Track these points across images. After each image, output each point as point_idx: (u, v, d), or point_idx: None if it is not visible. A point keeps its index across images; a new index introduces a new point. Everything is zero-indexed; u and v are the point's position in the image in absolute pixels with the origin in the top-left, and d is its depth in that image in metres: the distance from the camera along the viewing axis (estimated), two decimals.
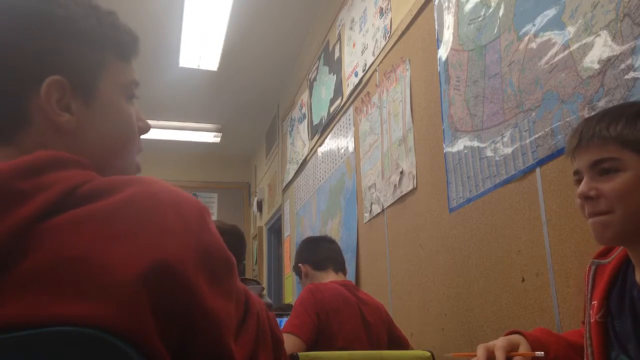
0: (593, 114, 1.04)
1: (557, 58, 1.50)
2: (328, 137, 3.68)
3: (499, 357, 0.95)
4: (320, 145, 3.85)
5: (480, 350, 0.97)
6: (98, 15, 0.68)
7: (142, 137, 0.75)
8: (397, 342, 2.14)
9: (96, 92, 0.66)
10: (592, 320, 1.00)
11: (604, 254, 1.07)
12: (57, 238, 0.53)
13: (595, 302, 1.01)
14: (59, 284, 0.51)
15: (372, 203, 2.82)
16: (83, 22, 0.65)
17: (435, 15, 2.22)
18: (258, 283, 2.42)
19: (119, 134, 0.69)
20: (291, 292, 4.46)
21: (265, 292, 2.90)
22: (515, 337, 1.01)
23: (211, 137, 6.09)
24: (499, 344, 0.97)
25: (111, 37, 0.69)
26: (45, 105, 0.62)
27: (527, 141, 1.61)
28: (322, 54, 3.89)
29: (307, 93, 4.26)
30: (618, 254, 1.02)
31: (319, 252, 2.27)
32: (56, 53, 0.63)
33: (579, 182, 0.97)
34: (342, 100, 3.39)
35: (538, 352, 0.97)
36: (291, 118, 4.77)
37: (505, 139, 1.72)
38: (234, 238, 2.28)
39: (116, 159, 0.69)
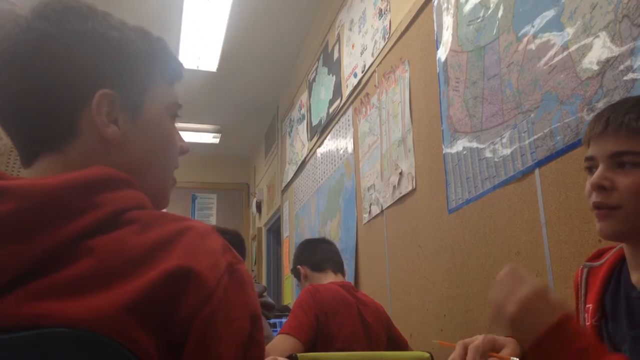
0: (620, 99, 0.99)
1: (556, 59, 1.51)
2: (327, 138, 3.68)
3: (469, 357, 0.93)
4: (320, 146, 3.85)
5: (458, 348, 0.95)
6: (149, 39, 0.72)
7: None
8: (396, 342, 2.14)
9: (143, 109, 0.70)
10: (587, 323, 0.99)
11: (595, 257, 1.05)
12: (87, 262, 0.55)
13: (590, 305, 0.99)
14: (74, 292, 0.53)
15: (371, 204, 2.82)
16: (135, 44, 0.70)
17: (435, 16, 2.22)
18: (259, 283, 2.42)
19: (161, 150, 0.73)
20: (290, 293, 4.46)
21: (265, 292, 2.89)
22: (505, 338, 0.98)
23: (210, 138, 6.09)
24: (476, 343, 0.94)
25: (160, 60, 0.73)
26: (95, 116, 0.65)
27: (526, 142, 1.61)
28: (322, 55, 3.89)
29: (306, 94, 4.26)
30: (611, 256, 1.00)
31: (318, 254, 2.27)
32: (110, 70, 0.67)
33: (589, 168, 0.93)
34: (341, 101, 3.39)
35: (513, 358, 0.92)
36: (290, 119, 4.77)
37: (504, 140, 1.72)
38: (235, 239, 2.29)
39: (156, 173, 0.72)
